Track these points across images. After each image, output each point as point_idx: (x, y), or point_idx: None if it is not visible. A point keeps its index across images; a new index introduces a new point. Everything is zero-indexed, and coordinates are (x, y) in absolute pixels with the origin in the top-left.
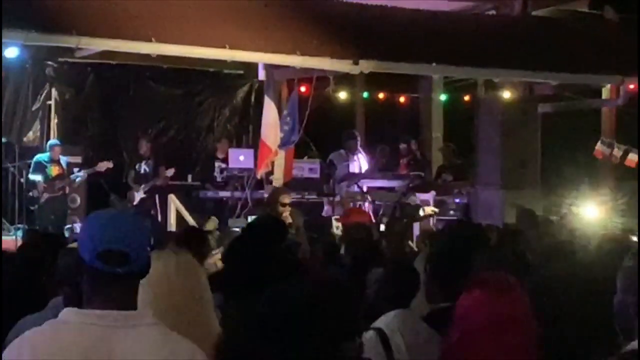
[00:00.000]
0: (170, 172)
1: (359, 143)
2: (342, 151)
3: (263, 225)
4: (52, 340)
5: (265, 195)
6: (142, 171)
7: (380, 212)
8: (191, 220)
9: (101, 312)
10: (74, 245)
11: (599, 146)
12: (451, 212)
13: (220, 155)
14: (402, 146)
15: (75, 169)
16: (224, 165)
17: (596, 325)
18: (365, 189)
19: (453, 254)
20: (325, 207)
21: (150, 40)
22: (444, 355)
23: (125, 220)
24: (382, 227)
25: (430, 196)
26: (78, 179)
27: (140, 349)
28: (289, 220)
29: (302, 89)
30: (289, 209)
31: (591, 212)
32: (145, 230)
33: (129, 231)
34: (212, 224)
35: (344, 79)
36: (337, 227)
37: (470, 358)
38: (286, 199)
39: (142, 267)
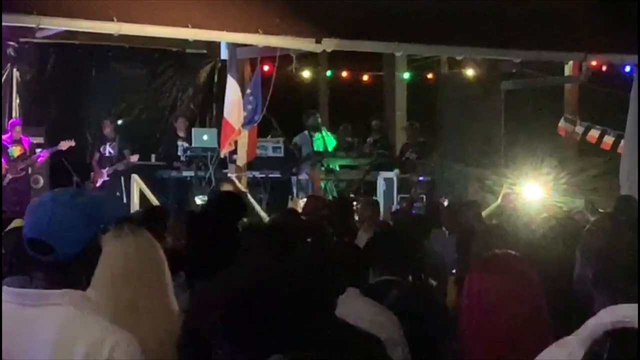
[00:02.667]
0: (134, 157)
1: (319, 121)
2: (305, 132)
3: (222, 201)
4: None
5: (229, 175)
6: (107, 154)
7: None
8: (155, 200)
9: (20, 290)
10: (17, 224)
11: (561, 123)
12: (416, 190)
13: (181, 134)
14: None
15: (38, 150)
16: (186, 145)
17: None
18: (330, 167)
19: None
20: (293, 187)
21: (112, 20)
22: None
23: (53, 207)
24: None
25: (394, 174)
26: (41, 158)
27: (39, 330)
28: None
29: (265, 67)
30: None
31: (533, 192)
32: (75, 217)
33: (54, 220)
34: (228, 186)
35: (307, 58)
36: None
37: (478, 334)
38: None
39: (69, 256)
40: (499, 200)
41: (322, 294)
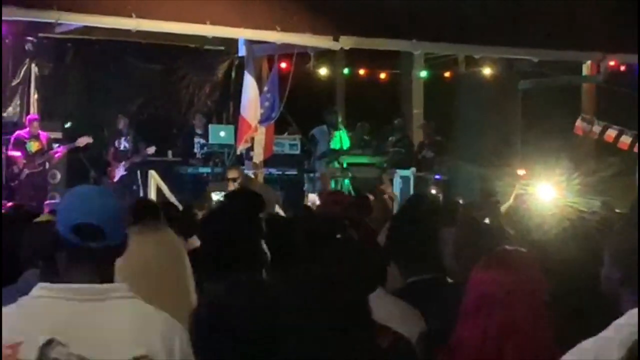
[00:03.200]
0: (151, 149)
1: (340, 119)
2: (324, 127)
3: (240, 197)
4: (24, 315)
5: (247, 172)
6: (122, 148)
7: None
8: (171, 197)
9: (74, 286)
10: (43, 218)
11: (579, 122)
12: (432, 188)
13: (198, 131)
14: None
15: (55, 145)
16: (203, 141)
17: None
18: (345, 165)
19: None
20: (306, 184)
21: (131, 16)
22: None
23: (101, 195)
24: None
25: (410, 172)
26: (58, 154)
27: (113, 322)
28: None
29: (283, 65)
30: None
31: (546, 192)
32: (121, 206)
33: (104, 206)
34: (235, 172)
35: (324, 55)
36: (312, 203)
37: (476, 332)
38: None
39: (118, 243)
40: (511, 201)
41: (359, 293)
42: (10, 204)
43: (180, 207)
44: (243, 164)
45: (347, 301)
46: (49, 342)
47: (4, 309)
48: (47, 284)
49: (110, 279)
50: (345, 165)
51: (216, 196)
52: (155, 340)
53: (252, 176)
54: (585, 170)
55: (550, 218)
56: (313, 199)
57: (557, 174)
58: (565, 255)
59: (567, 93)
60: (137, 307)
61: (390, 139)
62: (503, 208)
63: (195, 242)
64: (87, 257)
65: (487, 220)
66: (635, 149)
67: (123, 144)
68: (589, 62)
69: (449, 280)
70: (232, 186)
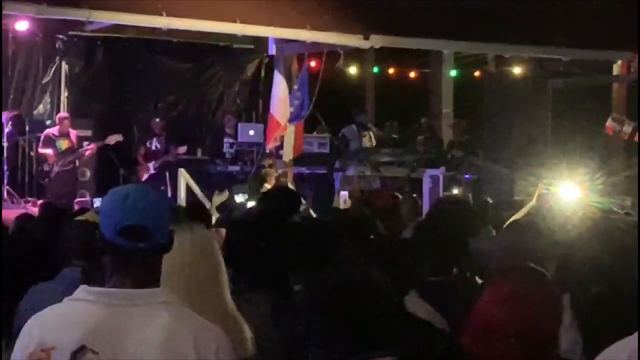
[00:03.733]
0: (182, 149)
1: (369, 118)
2: (353, 126)
3: (276, 196)
4: (60, 318)
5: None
6: (154, 148)
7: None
8: (201, 195)
9: (111, 290)
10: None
11: (609, 122)
12: (460, 187)
13: (228, 131)
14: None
15: (85, 143)
16: (232, 140)
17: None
18: (375, 164)
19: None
20: (337, 183)
21: (161, 14)
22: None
23: (144, 195)
24: None
25: (440, 172)
26: (88, 152)
27: (145, 329)
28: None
29: (312, 63)
30: None
31: (569, 192)
32: (165, 204)
33: (149, 205)
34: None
35: (354, 54)
36: (344, 202)
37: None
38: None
39: (164, 241)
40: (534, 201)
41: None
42: (40, 201)
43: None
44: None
45: (386, 304)
46: (81, 349)
47: (46, 310)
48: (87, 287)
49: (157, 281)
50: (374, 164)
51: (239, 198)
52: (186, 348)
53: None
54: (610, 170)
55: (573, 218)
56: (344, 196)
57: (580, 173)
58: (588, 255)
59: (598, 93)
60: (171, 312)
61: (419, 138)
62: (526, 208)
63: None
64: (134, 258)
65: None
66: None
67: (154, 143)
68: (619, 61)
69: (479, 280)
70: (270, 174)
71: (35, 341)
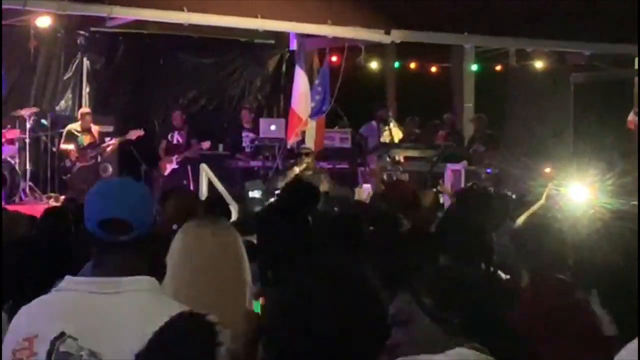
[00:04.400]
0: (205, 144)
1: (390, 113)
2: (372, 123)
3: (296, 190)
4: (44, 308)
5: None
6: (175, 142)
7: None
8: (223, 190)
9: (94, 279)
10: None
11: (631, 116)
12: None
13: (246, 125)
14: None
15: (107, 138)
16: (251, 135)
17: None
18: (396, 159)
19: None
20: (360, 178)
21: (182, 10)
22: None
23: (126, 188)
24: None
25: (461, 166)
26: (109, 148)
27: (123, 316)
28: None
29: (334, 58)
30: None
31: (579, 193)
32: (146, 195)
33: (128, 198)
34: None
35: (375, 49)
36: (367, 195)
37: None
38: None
39: (146, 234)
40: (543, 200)
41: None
42: (62, 197)
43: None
44: (294, 157)
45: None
46: (60, 336)
47: (31, 302)
48: (73, 278)
49: (139, 270)
50: (396, 159)
51: (253, 194)
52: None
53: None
54: (620, 171)
55: (583, 218)
56: (367, 189)
57: (590, 174)
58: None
59: (620, 86)
60: (150, 301)
61: (440, 132)
62: (534, 207)
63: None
64: (118, 250)
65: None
66: None
67: (176, 138)
68: None
69: (504, 275)
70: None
71: (22, 332)
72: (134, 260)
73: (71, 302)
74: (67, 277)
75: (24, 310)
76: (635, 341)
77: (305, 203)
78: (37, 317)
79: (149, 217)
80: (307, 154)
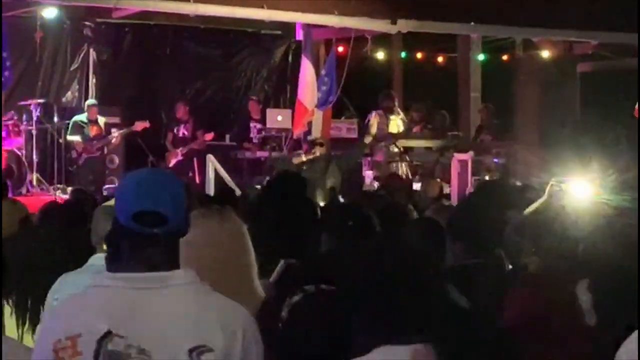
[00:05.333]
0: (209, 136)
1: (396, 103)
2: (379, 111)
3: (282, 180)
4: (85, 306)
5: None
6: (181, 134)
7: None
8: (230, 180)
9: (135, 275)
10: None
11: (638, 105)
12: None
13: (254, 116)
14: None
15: (113, 130)
16: (259, 126)
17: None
18: (403, 149)
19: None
20: (364, 168)
21: (189, 1)
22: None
23: (159, 180)
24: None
25: (468, 156)
26: (113, 140)
27: (170, 311)
28: None
29: (340, 49)
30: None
31: (581, 189)
32: (181, 189)
33: (164, 190)
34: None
35: (381, 39)
36: (370, 183)
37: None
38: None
39: (180, 226)
40: (545, 196)
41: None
42: (69, 189)
43: (238, 192)
44: (300, 148)
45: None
46: (107, 334)
47: (67, 298)
48: (109, 273)
49: (176, 264)
50: (402, 149)
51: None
52: (213, 330)
53: None
54: (621, 167)
55: (585, 215)
56: (370, 176)
57: (593, 169)
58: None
59: (627, 76)
60: (197, 294)
61: (447, 122)
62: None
63: None
64: (151, 243)
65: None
66: None
67: (182, 130)
68: None
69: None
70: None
71: (61, 330)
72: (170, 253)
73: (116, 299)
74: (106, 273)
75: (62, 308)
76: (634, 340)
77: (290, 191)
78: (79, 315)
79: (182, 210)
80: (320, 144)
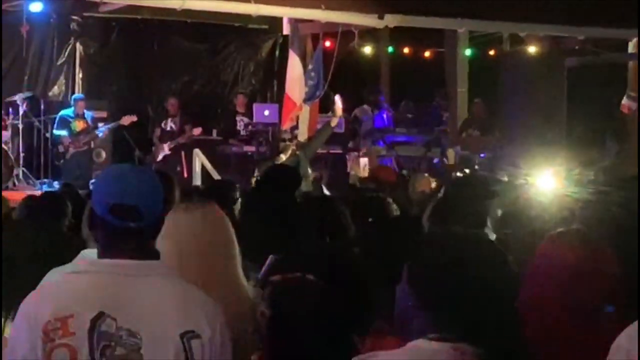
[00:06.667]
0: (197, 131)
1: (382, 98)
2: (365, 106)
3: (276, 174)
4: (73, 289)
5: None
6: (169, 128)
7: (405, 168)
8: (216, 174)
9: (119, 261)
10: None
11: (625, 100)
12: (476, 167)
13: (240, 110)
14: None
15: (100, 124)
16: (246, 120)
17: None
18: (390, 144)
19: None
20: (349, 163)
21: None
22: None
23: (137, 175)
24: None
25: (455, 151)
26: (101, 134)
27: (158, 298)
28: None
29: (327, 43)
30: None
31: (546, 183)
32: (158, 185)
33: (141, 185)
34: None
35: (369, 34)
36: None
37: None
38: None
39: (155, 222)
40: (513, 189)
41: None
42: (56, 183)
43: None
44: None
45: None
46: (99, 316)
47: (50, 282)
48: (93, 259)
49: (150, 256)
50: (390, 144)
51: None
52: (201, 318)
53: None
54: (585, 161)
55: (550, 209)
56: (364, 162)
57: (557, 163)
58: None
59: (614, 71)
60: (180, 285)
61: (434, 117)
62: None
63: None
64: (126, 236)
65: None
66: None
67: (169, 124)
68: (635, 39)
69: None
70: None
71: (49, 312)
72: (145, 246)
73: (106, 284)
74: (90, 258)
75: (45, 291)
76: (634, 327)
77: (284, 187)
78: (68, 298)
79: (158, 205)
80: (290, 140)
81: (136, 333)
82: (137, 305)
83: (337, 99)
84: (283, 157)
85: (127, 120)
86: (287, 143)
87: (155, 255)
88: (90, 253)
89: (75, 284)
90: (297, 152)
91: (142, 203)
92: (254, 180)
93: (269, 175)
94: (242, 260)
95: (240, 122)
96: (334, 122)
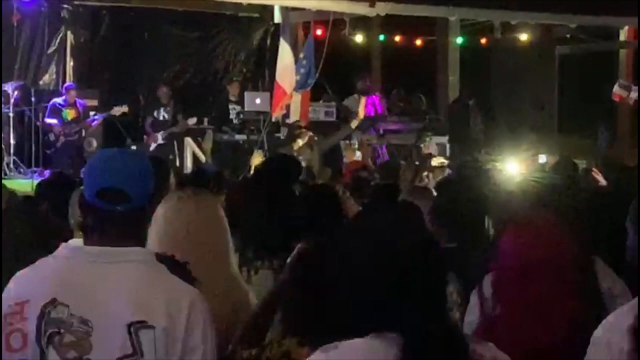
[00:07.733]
0: (191, 120)
1: (368, 83)
2: (355, 96)
3: (277, 163)
4: (36, 274)
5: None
6: (161, 118)
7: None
8: (209, 163)
9: (88, 247)
10: None
11: (616, 89)
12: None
13: (233, 98)
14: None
15: (91, 113)
16: (238, 108)
17: None
18: (381, 132)
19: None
20: (343, 152)
21: None
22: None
23: (126, 158)
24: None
25: (446, 139)
26: (94, 124)
27: (118, 286)
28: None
29: (318, 31)
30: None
31: (513, 168)
32: (147, 168)
33: (129, 169)
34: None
35: (360, 22)
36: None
37: (502, 301)
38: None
39: (143, 205)
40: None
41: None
42: (47, 171)
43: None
44: (279, 131)
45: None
46: (51, 301)
47: (25, 269)
48: (70, 245)
49: (137, 241)
50: (381, 132)
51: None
52: (157, 307)
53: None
54: (551, 147)
55: (516, 194)
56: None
57: (522, 149)
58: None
59: (605, 59)
60: (148, 272)
61: (425, 105)
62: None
63: None
64: (112, 220)
65: None
66: None
67: (162, 114)
68: (626, 27)
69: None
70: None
71: (13, 296)
72: (131, 231)
73: (66, 269)
74: (63, 244)
75: (17, 275)
76: (610, 318)
77: (287, 176)
78: (29, 282)
79: (147, 189)
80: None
81: (88, 321)
82: (94, 293)
83: (362, 100)
84: (300, 143)
85: (118, 111)
86: (303, 130)
87: (139, 242)
88: (76, 242)
89: (41, 269)
90: (313, 145)
91: (130, 186)
92: (253, 168)
93: (270, 164)
94: (244, 248)
95: (233, 110)
96: (354, 124)
